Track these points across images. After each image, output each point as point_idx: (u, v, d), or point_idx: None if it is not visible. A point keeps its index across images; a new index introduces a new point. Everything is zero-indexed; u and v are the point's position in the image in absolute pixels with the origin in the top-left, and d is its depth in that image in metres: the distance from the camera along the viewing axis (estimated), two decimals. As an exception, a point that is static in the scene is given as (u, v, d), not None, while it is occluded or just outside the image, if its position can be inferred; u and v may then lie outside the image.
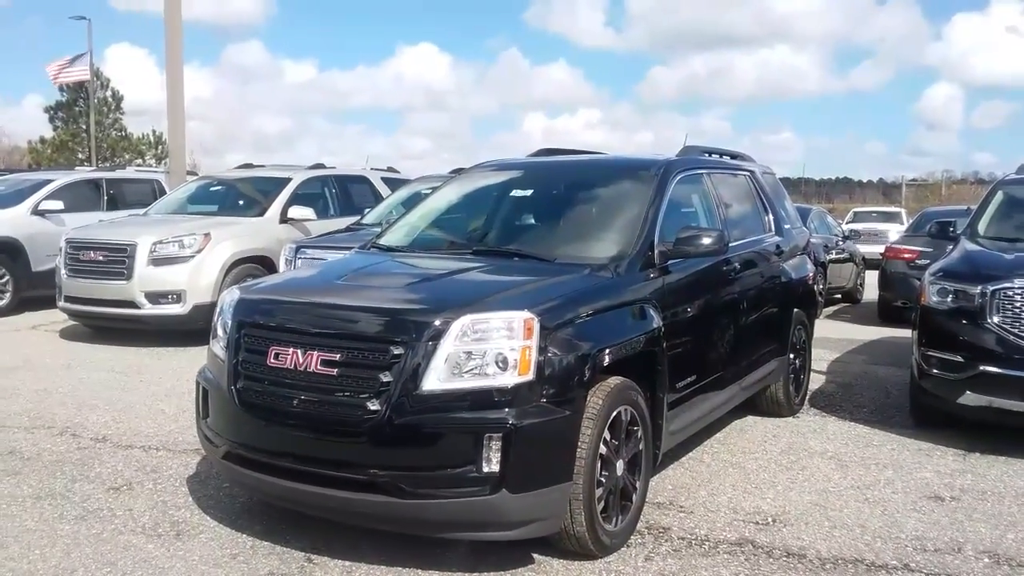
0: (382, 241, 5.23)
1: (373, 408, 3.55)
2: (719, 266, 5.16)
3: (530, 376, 3.53)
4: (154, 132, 46.30)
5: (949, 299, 5.86)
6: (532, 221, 5.13)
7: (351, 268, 4.51)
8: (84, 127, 42.24)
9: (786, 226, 6.57)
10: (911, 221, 14.00)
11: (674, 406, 4.54)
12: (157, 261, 9.18)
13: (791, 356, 6.37)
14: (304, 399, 3.71)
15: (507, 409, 3.49)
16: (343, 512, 3.73)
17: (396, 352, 3.56)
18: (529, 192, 5.28)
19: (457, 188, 5.65)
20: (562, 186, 5.26)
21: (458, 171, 10.95)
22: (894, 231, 25.08)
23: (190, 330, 9.17)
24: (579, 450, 3.68)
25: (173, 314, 9.17)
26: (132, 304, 9.15)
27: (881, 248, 22.08)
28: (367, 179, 12.16)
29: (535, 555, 3.91)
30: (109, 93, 46.54)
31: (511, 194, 5.31)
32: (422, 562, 3.84)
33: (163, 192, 13.14)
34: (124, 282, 9.13)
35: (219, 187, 11.61)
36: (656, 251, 4.53)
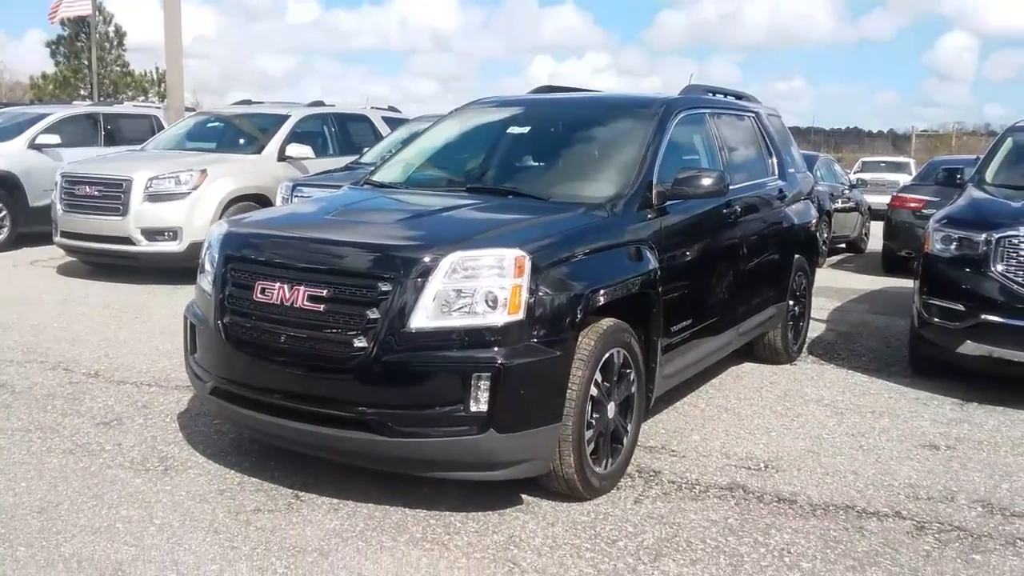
0: (376, 178, 5.12)
1: (360, 345, 3.48)
2: (719, 209, 5.05)
3: (520, 315, 3.46)
4: (157, 69, 45.63)
5: (953, 246, 5.76)
6: (529, 159, 5.01)
7: (342, 204, 4.42)
8: (86, 63, 41.71)
9: (790, 170, 6.43)
10: (919, 170, 13.77)
11: (668, 350, 4.48)
12: (153, 197, 9.07)
13: (791, 303, 6.30)
14: (291, 335, 3.64)
15: (496, 348, 3.42)
16: (329, 449, 3.69)
17: (384, 289, 3.49)
18: (526, 130, 5.15)
19: (453, 125, 5.51)
20: (560, 124, 5.12)
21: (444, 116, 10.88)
22: (902, 181, 24.85)
23: (187, 268, 9.07)
24: (569, 391, 3.62)
25: (169, 252, 9.09)
26: (128, 241, 9.06)
27: (888, 198, 22.06)
28: (367, 118, 11.97)
29: (524, 496, 3.88)
30: (112, 28, 45.86)
31: (508, 131, 5.18)
32: (410, 501, 3.82)
33: (161, 128, 12.96)
34: (119, 218, 9.04)
35: (217, 124, 11.43)
36: (654, 191, 4.42)
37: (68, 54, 45.69)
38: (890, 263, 12.19)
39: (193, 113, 12.34)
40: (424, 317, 3.45)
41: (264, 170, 9.89)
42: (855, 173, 23.50)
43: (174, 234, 9.07)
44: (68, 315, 7.51)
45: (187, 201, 9.12)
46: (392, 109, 12.93)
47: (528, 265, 3.50)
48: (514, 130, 5.14)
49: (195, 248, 8.97)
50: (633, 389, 4.11)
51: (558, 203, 4.28)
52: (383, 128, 11.79)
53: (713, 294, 5.00)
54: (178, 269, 9.17)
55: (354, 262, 3.63)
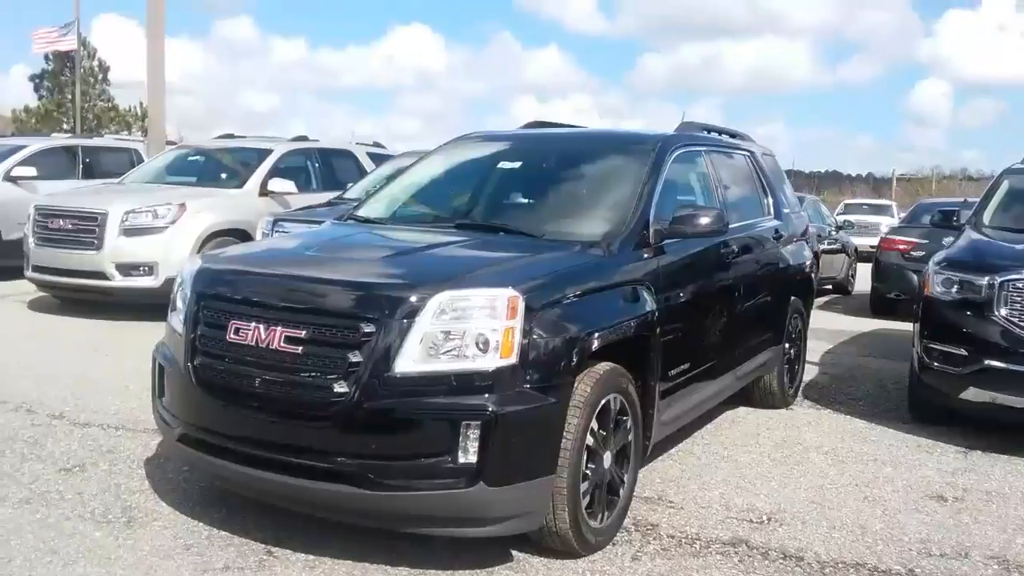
0: (360, 213, 4.90)
1: (340, 391, 3.24)
2: (716, 248, 4.87)
3: (513, 359, 3.23)
4: (141, 104, 45.42)
5: (954, 290, 5.60)
6: (520, 195, 4.80)
7: (324, 239, 4.20)
8: (70, 97, 41.52)
9: (785, 210, 6.28)
10: (906, 212, 13.74)
11: (666, 395, 4.26)
12: (129, 231, 8.80)
13: (786, 345, 6.10)
14: (266, 379, 3.40)
15: (487, 395, 3.19)
16: (306, 503, 3.43)
17: (367, 330, 3.25)
18: (517, 165, 4.96)
19: (441, 160, 5.32)
20: (552, 159, 4.94)
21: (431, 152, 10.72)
22: (885, 224, 24.95)
23: (163, 304, 8.78)
24: (564, 441, 3.39)
25: (145, 287, 8.80)
26: (102, 275, 8.77)
27: (872, 240, 21.94)
28: (352, 154, 11.79)
29: (515, 552, 3.63)
30: (96, 63, 45.78)
31: (498, 166, 4.99)
32: (392, 557, 3.55)
33: (142, 161, 12.73)
34: (94, 252, 8.76)
35: (198, 157, 11.20)
36: (651, 230, 4.23)
37: (52, 88, 45.51)
38: (879, 305, 12.07)
39: (174, 146, 12.12)
40: (410, 361, 3.22)
41: (245, 204, 9.65)
42: (838, 215, 23.53)
43: (150, 269, 8.80)
44: (35, 352, 7.20)
45: (164, 235, 8.86)
46: (377, 145, 12.77)
47: (521, 306, 3.28)
48: (504, 165, 4.96)
49: (172, 283, 8.68)
50: (630, 437, 3.88)
51: (552, 241, 4.08)
52: (368, 164, 11.61)
53: (711, 336, 4.80)
54: (154, 305, 8.88)
55: (335, 301, 3.40)
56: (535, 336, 3.31)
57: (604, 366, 3.64)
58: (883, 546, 3.91)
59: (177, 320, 3.88)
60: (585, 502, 3.55)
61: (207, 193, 9.67)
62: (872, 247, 20.20)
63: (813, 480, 4.75)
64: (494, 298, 3.28)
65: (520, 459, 3.25)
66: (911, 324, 10.80)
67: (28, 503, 4.04)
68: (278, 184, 9.98)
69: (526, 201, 4.73)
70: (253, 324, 3.44)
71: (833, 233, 14.12)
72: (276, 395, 3.37)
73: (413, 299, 3.27)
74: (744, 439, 5.46)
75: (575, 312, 3.55)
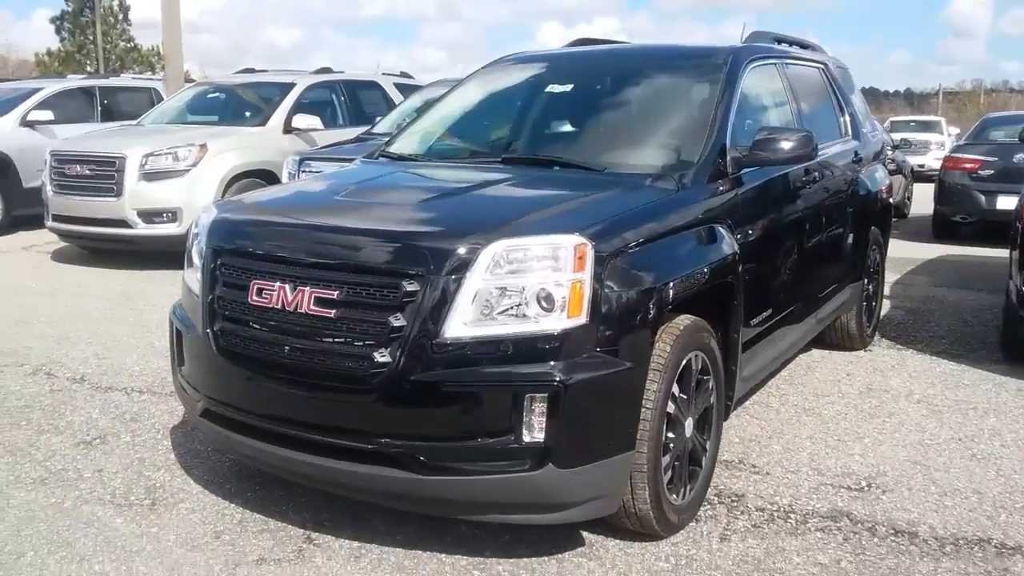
0: (392, 149, 4.35)
1: (382, 360, 2.76)
2: (797, 176, 4.28)
3: (582, 318, 2.73)
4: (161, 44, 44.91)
5: (1062, 214, 4.96)
6: (573, 123, 4.21)
7: (354, 181, 3.67)
8: (91, 38, 40.89)
9: (863, 130, 5.64)
10: (972, 128, 12.89)
11: (748, 347, 3.75)
12: (149, 175, 8.34)
13: (865, 281, 5.53)
14: (295, 347, 2.93)
15: (554, 361, 2.70)
16: (349, 487, 2.98)
17: (410, 289, 2.76)
18: (568, 88, 4.36)
19: (479, 86, 4.73)
20: (608, 80, 4.33)
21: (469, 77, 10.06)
22: (934, 141, 23.86)
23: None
24: (644, 411, 2.90)
25: (168, 234, 8.36)
26: (123, 223, 8.35)
27: (922, 159, 21.05)
28: (379, 85, 11.17)
29: (586, 535, 3.18)
30: (116, 2, 44.97)
31: (546, 91, 4.40)
32: (447, 544, 3.12)
33: (162, 101, 12.21)
34: (114, 199, 8.32)
35: (218, 95, 10.66)
36: (728, 158, 3.66)
37: (72, 30, 44.86)
38: (942, 229, 11.35)
39: (192, 84, 11.57)
40: (461, 324, 2.72)
41: (269, 143, 9.14)
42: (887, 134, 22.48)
43: (173, 215, 8.36)
44: (56, 308, 6.82)
45: (186, 179, 8.40)
46: (405, 75, 12.11)
47: (590, 254, 2.76)
48: (554, 89, 4.36)
49: (196, 230, 8.34)
50: (712, 399, 3.39)
51: (615, 175, 3.53)
52: (396, 96, 10.99)
53: (793, 277, 4.25)
54: (179, 253, 8.48)
55: (372, 255, 2.89)
56: (607, 290, 2.79)
57: (684, 319, 3.13)
58: (1006, 516, 3.40)
59: (193, 278, 3.41)
60: (666, 478, 3.08)
61: (229, 132, 9.17)
62: (920, 166, 19.29)
63: (910, 435, 4.23)
64: (558, 247, 2.76)
65: (595, 435, 2.77)
66: (978, 249, 10.28)
67: (44, 484, 3.66)
68: (303, 120, 9.45)
69: (581, 130, 4.14)
70: (278, 284, 2.96)
71: (890, 153, 13.30)
72: (308, 366, 2.90)
73: (462, 251, 2.76)
74: (825, 388, 4.94)
75: (650, 258, 3.02)
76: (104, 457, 3.94)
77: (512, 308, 2.73)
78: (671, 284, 3.01)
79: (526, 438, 2.68)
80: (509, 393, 2.68)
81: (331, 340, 2.86)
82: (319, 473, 2.96)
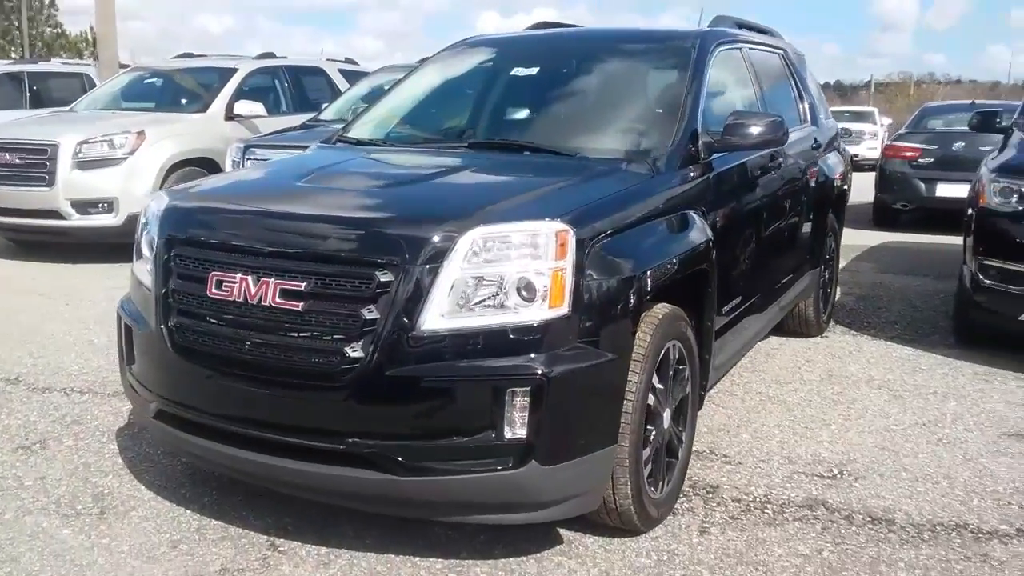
0: (351, 134, 4.17)
1: (354, 355, 2.61)
2: (763, 162, 4.24)
3: (564, 308, 2.62)
4: (91, 30, 43.40)
5: (1014, 199, 5.03)
6: (541, 107, 4.07)
7: (314, 167, 3.48)
8: (16, 24, 39.38)
9: (820, 116, 5.65)
10: (911, 118, 13.12)
11: (718, 335, 3.68)
12: (83, 164, 7.97)
13: (822, 268, 5.54)
14: (259, 343, 2.76)
15: (535, 354, 2.58)
16: (320, 491, 2.83)
17: (383, 279, 2.61)
18: (533, 71, 4.24)
19: (440, 69, 4.58)
20: (574, 63, 4.22)
21: (425, 60, 9.86)
22: (868, 131, 24.36)
23: (126, 244, 8.09)
24: (626, 403, 2.80)
25: (105, 225, 8.02)
26: (56, 214, 7.97)
27: (856, 149, 21.43)
28: (323, 71, 10.87)
29: (564, 533, 3.08)
30: (43, -13, 43.39)
31: (511, 74, 4.27)
32: (420, 546, 2.99)
33: (93, 87, 11.75)
34: (46, 189, 7.93)
35: (155, 80, 10.25)
36: (700, 142, 3.59)
37: (-4, 14, 43.14)
38: (883, 217, 11.53)
39: (128, 69, 11.13)
40: (438, 315, 2.59)
41: (210, 130, 8.82)
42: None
43: (109, 205, 8.01)
44: (-13, 304, 6.47)
45: (123, 167, 8.05)
46: (349, 61, 11.82)
47: (572, 241, 2.65)
48: (519, 72, 4.24)
49: (134, 221, 7.95)
50: (687, 389, 3.31)
51: (588, 160, 3.42)
52: (340, 82, 10.72)
53: (760, 264, 4.20)
54: (116, 245, 8.15)
55: (342, 244, 2.73)
56: (588, 278, 2.69)
57: (662, 308, 3.04)
58: (978, 500, 3.41)
59: (144, 271, 3.22)
60: (646, 471, 2.99)
61: (168, 119, 8.82)
62: (854, 156, 19.62)
63: (875, 421, 4.24)
64: (538, 233, 2.64)
65: (578, 430, 2.67)
66: (919, 236, 10.47)
67: (-20, 493, 3.42)
68: (245, 107, 9.14)
69: (549, 114, 4.01)
70: (239, 275, 2.78)
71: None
72: (273, 363, 2.74)
73: (438, 239, 2.62)
74: (786, 375, 4.93)
75: (629, 245, 2.93)
76: (46, 463, 3.70)
77: (491, 298, 2.61)
78: (650, 272, 2.92)
79: (508, 434, 2.56)
80: (489, 388, 2.56)
81: (298, 335, 2.70)
82: (285, 476, 2.80)
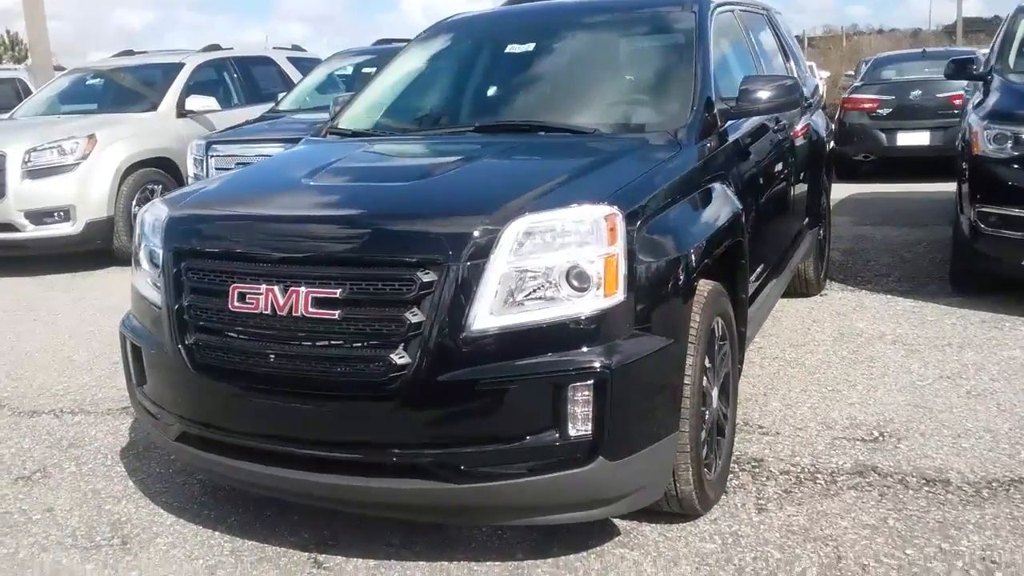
0: (343, 125, 3.96)
1: (400, 362, 2.45)
2: (769, 125, 4.14)
3: (619, 296, 2.48)
4: (8, 32, 41.75)
5: (1009, 145, 5.01)
6: (545, 84, 3.88)
7: (318, 163, 3.26)
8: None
9: (805, 75, 5.57)
10: (863, 69, 13.17)
11: (748, 306, 3.59)
12: (34, 173, 7.59)
13: (819, 226, 5.49)
14: (291, 356, 2.58)
15: (594, 346, 2.44)
16: (368, 506, 2.67)
17: (426, 279, 2.44)
18: (530, 47, 4.05)
19: (427, 51, 4.35)
20: (570, 36, 4.04)
21: (383, 42, 9.58)
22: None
23: (87, 252, 7.78)
24: (684, 387, 2.69)
25: (63, 235, 7.67)
26: (10, 227, 7.57)
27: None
28: (272, 60, 10.50)
29: (619, 523, 2.96)
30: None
31: (506, 52, 4.09)
32: (472, 550, 2.85)
33: (28, 92, 11.23)
34: (-4, 201, 7.54)
35: (97, 81, 9.81)
36: (716, 110, 3.46)
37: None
38: (843, 169, 11.55)
39: (66, 71, 10.63)
40: (487, 313, 2.43)
41: (163, 129, 8.47)
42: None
43: (66, 214, 7.65)
44: (-51, 328, 6.12)
45: (77, 173, 7.69)
46: (297, 48, 11.46)
47: (621, 225, 2.51)
48: (514, 49, 4.05)
49: (93, 227, 7.67)
50: (729, 365, 3.21)
51: (609, 137, 3.28)
52: (291, 71, 10.37)
53: (775, 229, 4.13)
54: (76, 254, 7.82)
55: (377, 245, 2.56)
56: (639, 262, 2.55)
57: (706, 285, 2.92)
58: (1024, 452, 3.38)
59: (147, 286, 2.99)
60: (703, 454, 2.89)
61: (117, 120, 8.42)
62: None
63: (899, 377, 4.19)
64: (586, 219, 2.49)
65: (643, 420, 2.55)
66: (881, 185, 10.53)
67: (-13, 534, 3.19)
68: (197, 102, 8.79)
69: (555, 91, 3.82)
70: (264, 286, 2.59)
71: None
72: (310, 376, 2.56)
73: (481, 232, 2.46)
74: (798, 337, 4.87)
75: (673, 224, 2.80)
76: (51, 493, 3.47)
77: (540, 291, 2.46)
78: (696, 249, 2.80)
79: (572, 432, 2.43)
80: (550, 385, 2.42)
81: (337, 345, 2.52)
82: (329, 492, 2.63)
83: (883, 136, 10.98)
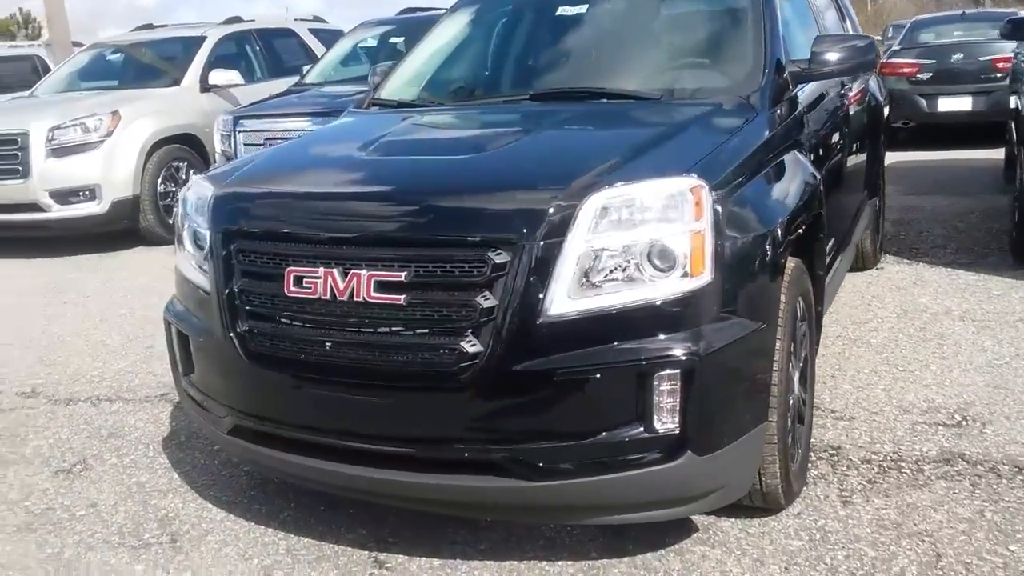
0: (386, 95, 3.75)
1: (472, 350, 2.27)
2: (837, 89, 3.90)
3: (706, 276, 2.28)
4: (21, 10, 41.69)
5: (1081, 108, 4.75)
6: (601, 48, 3.64)
7: (371, 136, 3.05)
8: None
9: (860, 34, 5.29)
10: (902, 33, 12.79)
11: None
12: (58, 151, 7.44)
13: (876, 198, 5.25)
14: (353, 343, 2.40)
15: (681, 331, 2.25)
16: (435, 503, 2.50)
17: (499, 260, 2.25)
18: (583, 8, 3.82)
19: (470, 17, 4.11)
20: None
21: (409, 11, 9.33)
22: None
23: (114, 232, 7.65)
24: (773, 373, 2.50)
25: (89, 214, 7.54)
26: (35, 207, 7.45)
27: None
28: (294, 32, 10.28)
29: (696, 518, 2.78)
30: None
31: (557, 14, 3.85)
32: (544, 550, 2.69)
33: (47, 69, 11.07)
34: (21, 181, 7.40)
35: (117, 56, 9.63)
36: (787, 72, 3.23)
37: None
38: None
39: (85, 47, 10.45)
40: (565, 296, 2.25)
41: (187, 104, 8.31)
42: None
43: (91, 193, 7.52)
44: (-22, 311, 6.01)
45: (101, 151, 7.54)
46: (318, 19, 11.23)
47: (707, 198, 2.30)
48: (566, 12, 3.82)
49: (119, 206, 7.52)
50: (807, 347, 3.01)
51: (680, 103, 3.06)
52: (313, 43, 10.17)
53: (843, 200, 3.90)
54: (102, 234, 7.69)
55: (444, 223, 2.37)
56: (726, 238, 2.35)
57: (791, 263, 2.72)
58: (1121, 436, 3.17)
59: (192, 268, 2.82)
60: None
61: (140, 96, 8.26)
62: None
63: (974, 356, 3.98)
64: (671, 192, 2.29)
65: (733, 411, 2.36)
66: (925, 153, 10.22)
67: (30, 530, 3.05)
68: (220, 76, 8.62)
69: (614, 55, 3.59)
70: (322, 269, 2.41)
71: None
72: (373, 365, 2.38)
73: (556, 208, 2.27)
74: (859, 314, 4.66)
75: (758, 198, 2.59)
76: (93, 487, 3.33)
77: (621, 271, 2.27)
78: (783, 224, 2.59)
79: (658, 425, 2.24)
80: (634, 374, 2.23)
81: (403, 331, 2.34)
82: (393, 489, 2.46)
83: (923, 102, 10.65)
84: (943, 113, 10.54)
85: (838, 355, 4.10)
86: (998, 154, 8.80)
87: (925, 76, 10.64)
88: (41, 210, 7.47)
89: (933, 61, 10.72)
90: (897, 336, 4.29)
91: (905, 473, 3.01)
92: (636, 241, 2.27)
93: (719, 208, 2.34)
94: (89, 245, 7.66)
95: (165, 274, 6.56)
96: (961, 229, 6.40)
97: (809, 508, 2.82)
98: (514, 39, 3.90)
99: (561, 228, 2.25)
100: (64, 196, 7.46)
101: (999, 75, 10.05)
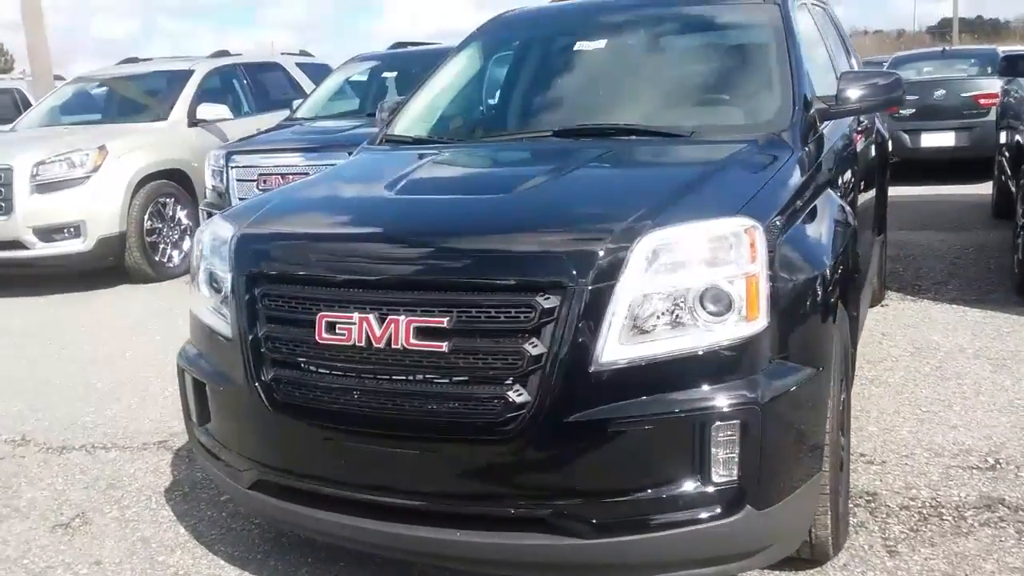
0: (400, 131, 3.65)
1: (519, 400, 2.15)
2: (854, 126, 3.86)
3: (762, 320, 2.19)
4: (1, 46, 41.33)
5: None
6: (623, 84, 3.57)
7: (393, 174, 2.96)
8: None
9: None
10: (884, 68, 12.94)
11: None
12: (43, 187, 7.25)
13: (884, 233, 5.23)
14: (390, 393, 2.28)
15: (736, 378, 2.16)
16: (477, 562, 2.37)
17: (547, 306, 2.15)
18: (601, 44, 3.75)
19: (485, 50, 4.05)
20: (643, 32, 3.75)
21: (399, 45, 9.29)
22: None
23: (98, 270, 7.46)
24: (827, 420, 2.41)
25: (73, 252, 7.33)
26: (18, 244, 7.23)
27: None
28: (281, 66, 10.19)
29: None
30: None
31: (575, 50, 3.79)
32: (584, 606, 2.55)
33: (27, 104, 10.89)
34: (3, 217, 7.19)
35: (101, 90, 9.49)
36: (814, 108, 3.18)
37: None
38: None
39: (68, 81, 10.28)
40: (616, 343, 2.14)
41: (175, 139, 8.16)
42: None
43: (76, 230, 7.31)
44: (-40, 353, 5.79)
45: (87, 187, 7.36)
46: (305, 54, 11.17)
47: (761, 240, 2.22)
48: (584, 47, 3.75)
49: (105, 244, 7.33)
50: (845, 391, 2.92)
51: (713, 141, 2.98)
52: (300, 77, 10.09)
53: (863, 238, 3.84)
54: (87, 272, 7.49)
55: (490, 267, 2.26)
56: (780, 281, 2.27)
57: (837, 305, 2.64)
58: None
59: (209, 313, 2.69)
60: (834, 492, 2.60)
61: (127, 130, 8.10)
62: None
63: (996, 396, 3.92)
64: (724, 234, 2.21)
65: (791, 461, 2.27)
66: (909, 188, 10.28)
67: (31, 592, 2.87)
68: (208, 110, 8.48)
69: (637, 91, 3.52)
70: (356, 315, 2.29)
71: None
72: (413, 417, 2.26)
73: (607, 251, 2.17)
74: (871, 352, 4.59)
75: (806, 238, 2.52)
76: (95, 543, 3.16)
77: (673, 316, 2.17)
78: (833, 266, 2.52)
79: (716, 478, 2.14)
80: (690, 425, 2.13)
81: (445, 380, 2.22)
82: (436, 548, 2.33)
83: (907, 137, 10.74)
84: (927, 148, 10.65)
85: (857, 395, 4.01)
86: (984, 189, 8.88)
87: (907, 112, 10.74)
88: (23, 247, 7.26)
89: (915, 97, 10.83)
90: (914, 375, 4.23)
91: (947, 520, 2.92)
92: (689, 285, 2.18)
93: (772, 250, 2.26)
94: (73, 283, 7.47)
95: (152, 313, 6.42)
96: (959, 265, 6.39)
97: (855, 559, 2.72)
98: (532, 74, 3.82)
99: (612, 272, 2.15)
100: (48, 233, 7.26)
101: (982, 111, 10.19)
